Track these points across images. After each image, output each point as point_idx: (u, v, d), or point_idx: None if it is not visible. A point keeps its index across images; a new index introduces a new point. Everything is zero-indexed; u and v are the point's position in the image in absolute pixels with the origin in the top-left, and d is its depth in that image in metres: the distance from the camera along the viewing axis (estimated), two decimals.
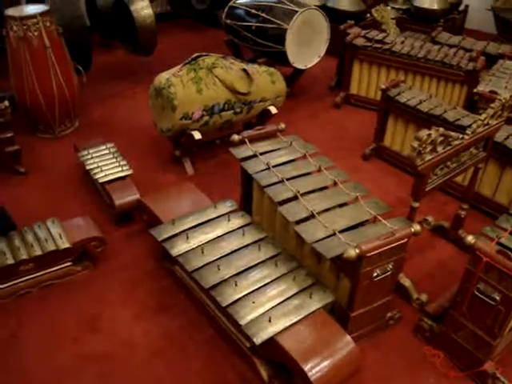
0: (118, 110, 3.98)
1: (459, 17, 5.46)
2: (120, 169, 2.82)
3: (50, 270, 2.38)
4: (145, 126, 3.59)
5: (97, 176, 2.77)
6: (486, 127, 2.22)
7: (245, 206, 2.55)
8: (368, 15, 5.05)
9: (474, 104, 3.35)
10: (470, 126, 2.79)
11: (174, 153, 3.27)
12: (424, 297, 2.31)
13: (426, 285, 2.42)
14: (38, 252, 2.29)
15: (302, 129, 3.68)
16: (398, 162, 3.35)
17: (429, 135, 1.89)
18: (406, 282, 2.33)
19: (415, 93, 3.20)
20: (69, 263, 2.42)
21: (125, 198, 2.67)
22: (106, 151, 2.98)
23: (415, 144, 1.89)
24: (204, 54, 3.14)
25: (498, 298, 1.80)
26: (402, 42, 3.93)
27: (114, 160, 2.90)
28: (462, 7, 5.60)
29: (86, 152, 2.96)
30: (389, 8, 4.84)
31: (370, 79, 4.07)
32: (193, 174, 3.22)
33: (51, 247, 2.32)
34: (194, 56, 3.08)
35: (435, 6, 5.08)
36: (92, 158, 2.91)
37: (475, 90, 3.10)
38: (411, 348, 2.15)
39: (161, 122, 3.06)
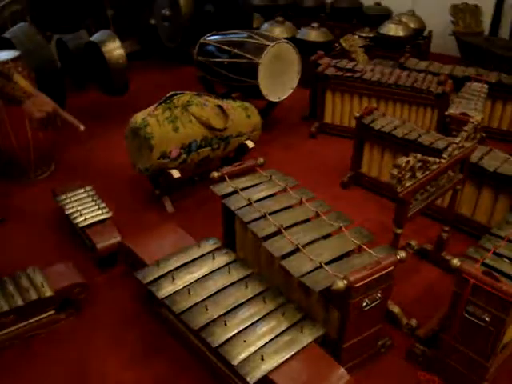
0: (94, 151, 3.96)
1: (424, 42, 5.63)
2: (100, 212, 2.79)
3: (32, 320, 2.31)
4: (122, 166, 3.57)
5: (76, 220, 2.74)
6: (461, 150, 2.26)
7: (228, 242, 2.54)
8: (336, 45, 5.16)
9: (446, 126, 3.42)
10: (445, 148, 2.84)
11: (154, 191, 3.26)
12: (414, 322, 2.31)
13: (414, 309, 2.41)
14: (20, 302, 2.22)
15: (278, 160, 3.69)
16: (377, 188, 3.39)
17: (407, 162, 1.92)
18: (395, 309, 2.33)
19: (389, 119, 3.26)
20: (52, 312, 2.36)
21: (106, 241, 2.63)
22: (85, 194, 2.94)
23: (395, 171, 1.92)
24: (178, 92, 3.16)
25: (487, 319, 1.81)
26: (372, 70, 4.02)
27: (93, 203, 2.86)
28: (425, 33, 5.78)
29: (64, 196, 2.92)
30: (356, 37, 4.96)
31: (343, 108, 4.14)
32: (173, 212, 3.20)
33: (33, 296, 2.26)
34: (168, 95, 3.10)
35: (400, 33, 5.23)
36: (71, 202, 2.87)
37: (447, 113, 3.18)
38: (405, 375, 2.13)
39: (139, 162, 3.05)
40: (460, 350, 1.96)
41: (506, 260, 2.00)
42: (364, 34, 5.48)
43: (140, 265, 2.35)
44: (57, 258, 2.61)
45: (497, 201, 2.80)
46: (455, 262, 1.85)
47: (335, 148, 4.09)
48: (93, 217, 2.75)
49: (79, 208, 2.82)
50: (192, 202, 3.34)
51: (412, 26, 5.42)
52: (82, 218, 2.74)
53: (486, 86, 3.69)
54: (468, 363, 1.96)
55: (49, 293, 2.28)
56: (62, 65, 4.89)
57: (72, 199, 2.90)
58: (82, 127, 2.10)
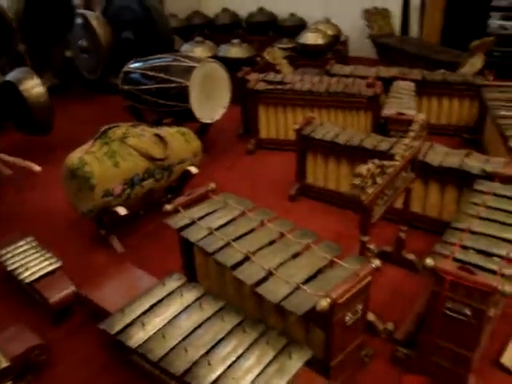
0: (26, 197, 3.70)
1: (342, 47, 5.79)
2: (47, 262, 2.60)
3: None
4: (60, 209, 3.36)
5: (22, 276, 2.53)
6: (411, 149, 2.30)
7: (189, 275, 2.42)
8: (259, 59, 5.18)
9: (382, 128, 3.49)
10: (389, 149, 2.91)
11: (99, 232, 3.09)
12: (390, 326, 2.30)
13: (385, 312, 2.41)
14: None
15: (221, 182, 3.57)
16: (325, 196, 3.40)
17: (368, 170, 1.91)
18: (371, 316, 2.31)
19: (328, 127, 3.29)
20: (9, 382, 2.14)
21: (59, 293, 2.44)
22: (27, 246, 2.73)
23: (357, 181, 1.90)
24: (112, 125, 3.02)
25: (468, 313, 1.83)
26: (301, 80, 4.05)
27: (38, 254, 2.67)
28: (342, 38, 5.94)
29: (4, 251, 2.70)
30: (278, 49, 5.00)
31: (278, 121, 4.14)
32: (123, 251, 3.04)
33: None
34: (103, 129, 2.96)
35: (320, 41, 5.35)
36: (12, 256, 2.66)
37: (383, 114, 3.24)
38: (393, 381, 2.11)
39: (80, 204, 2.87)
40: (444, 346, 1.97)
41: (472, 251, 2.03)
42: (283, 46, 5.57)
43: (102, 314, 2.19)
44: (6, 322, 2.38)
45: (444, 193, 2.88)
46: (429, 261, 1.86)
47: (275, 162, 4.08)
48: (40, 269, 2.56)
49: (23, 262, 2.61)
50: (140, 237, 3.20)
51: (329, 33, 5.57)
52: (29, 273, 2.54)
53: (412, 83, 3.81)
54: (453, 358, 1.97)
55: (4, 363, 2.06)
56: None
57: (13, 253, 2.68)
58: (37, 168, 1.93)
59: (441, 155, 2.85)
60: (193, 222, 2.29)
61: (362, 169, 1.91)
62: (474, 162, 2.74)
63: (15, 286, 2.67)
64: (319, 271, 1.98)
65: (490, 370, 2.14)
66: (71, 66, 5.17)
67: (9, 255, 2.67)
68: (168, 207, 2.34)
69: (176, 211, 2.36)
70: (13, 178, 3.89)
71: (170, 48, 4.83)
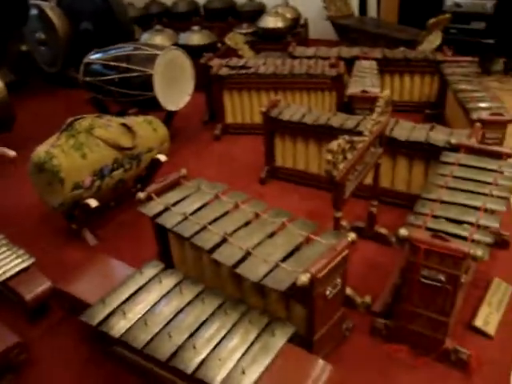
0: None
1: (302, 30, 5.81)
2: (20, 260, 2.54)
3: None
4: (29, 205, 3.29)
5: None
6: (379, 124, 2.34)
7: (166, 262, 2.41)
8: (220, 45, 5.15)
9: (346, 107, 3.54)
10: (356, 127, 2.96)
11: (71, 226, 3.04)
12: (368, 298, 2.36)
13: (362, 286, 2.46)
14: None
15: (190, 169, 3.58)
16: (295, 177, 3.43)
17: (339, 145, 1.94)
18: (348, 290, 2.35)
19: (295, 108, 3.30)
20: None
21: (35, 290, 2.40)
22: None
23: (329, 157, 1.93)
24: (78, 117, 2.97)
25: (443, 279, 1.89)
26: (265, 64, 4.05)
27: (10, 252, 2.60)
28: (301, 21, 5.96)
29: None
30: (238, 34, 4.98)
31: (243, 105, 4.14)
32: (96, 244, 3.01)
33: None
34: (68, 122, 2.90)
35: (280, 25, 5.36)
36: None
37: (348, 93, 3.28)
38: (374, 351, 2.17)
39: (50, 198, 2.83)
40: (421, 314, 2.03)
41: (443, 220, 2.09)
42: (244, 31, 5.55)
43: (81, 307, 2.16)
44: None
45: (412, 167, 2.95)
46: (403, 231, 1.91)
47: (242, 146, 4.08)
48: (13, 267, 2.50)
49: None
50: (113, 228, 3.17)
51: (289, 16, 5.58)
52: (1, 271, 2.48)
53: (374, 62, 3.86)
54: (430, 325, 2.03)
55: None
56: None
57: None
58: (12, 153, 1.88)
59: (407, 130, 2.91)
60: (167, 209, 2.29)
61: (333, 144, 1.93)
62: (440, 135, 2.81)
63: None
64: (296, 248, 2.01)
65: (463, 333, 2.21)
66: (28, 61, 5.02)
67: None
68: (141, 195, 2.34)
69: (149, 199, 2.36)
70: None
71: (130, 38, 4.76)
